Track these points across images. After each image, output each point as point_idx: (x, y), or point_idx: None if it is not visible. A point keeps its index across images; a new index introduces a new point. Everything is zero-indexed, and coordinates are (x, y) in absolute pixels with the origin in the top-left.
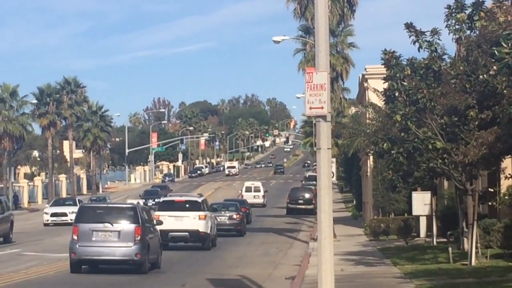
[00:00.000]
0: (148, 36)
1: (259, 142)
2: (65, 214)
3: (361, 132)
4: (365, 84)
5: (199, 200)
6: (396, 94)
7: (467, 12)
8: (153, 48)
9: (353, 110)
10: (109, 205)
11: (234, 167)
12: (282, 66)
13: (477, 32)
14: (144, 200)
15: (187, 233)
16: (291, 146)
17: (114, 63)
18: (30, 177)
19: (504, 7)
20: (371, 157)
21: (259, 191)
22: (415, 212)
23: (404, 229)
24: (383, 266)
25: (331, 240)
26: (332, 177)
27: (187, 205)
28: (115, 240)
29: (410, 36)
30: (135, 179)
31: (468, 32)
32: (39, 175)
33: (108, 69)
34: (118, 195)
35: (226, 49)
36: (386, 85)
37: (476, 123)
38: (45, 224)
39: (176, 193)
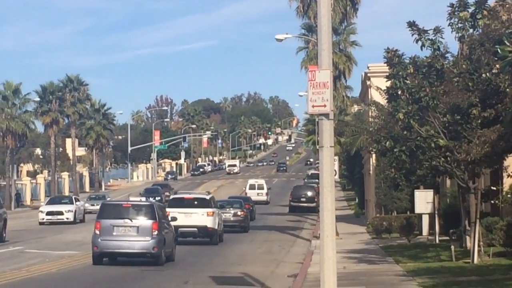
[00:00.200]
0: (150, 34)
1: (261, 140)
2: (61, 213)
3: (363, 130)
4: (368, 82)
5: (207, 197)
6: (399, 92)
7: (470, 10)
8: (156, 46)
9: (355, 108)
10: (128, 203)
11: (235, 165)
12: (285, 64)
13: (480, 31)
14: (144, 198)
15: (195, 229)
16: (293, 145)
17: (116, 61)
18: (32, 175)
19: (507, 5)
20: (373, 155)
21: (262, 188)
22: (417, 210)
23: (406, 227)
24: (385, 264)
25: (333, 238)
26: (335, 175)
27: (196, 202)
28: (134, 235)
29: (412, 35)
30: (137, 177)
31: (471, 30)
32: (41, 173)
33: (110, 67)
34: (120, 193)
35: (229, 47)
36: (388, 83)
37: (479, 121)
38: (41, 223)
39: (185, 191)
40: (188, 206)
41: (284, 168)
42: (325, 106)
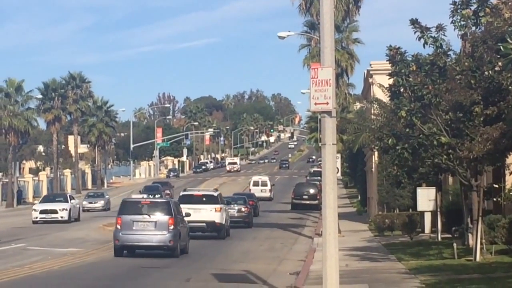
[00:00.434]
0: (153, 31)
1: (263, 138)
2: (55, 211)
3: (366, 128)
4: (370, 80)
5: (215, 194)
6: (401, 90)
7: (472, 8)
8: (158, 43)
9: (358, 105)
10: (147, 200)
11: (235, 163)
12: (287, 62)
13: (483, 28)
14: (146, 195)
15: (204, 224)
16: (295, 143)
17: (119, 58)
18: (35, 172)
19: (510, 3)
20: (376, 153)
21: (266, 185)
22: (420, 207)
23: (408, 224)
24: (387, 261)
25: (336, 235)
26: (337, 172)
27: (204, 199)
28: (152, 229)
29: (415, 32)
30: (140, 174)
31: (474, 28)
32: (44, 170)
33: (113, 64)
34: (122, 190)
35: (231, 45)
36: (391, 81)
37: (481, 119)
38: (34, 222)
39: (194, 188)
40: (197, 203)
41: (287, 165)
42: (327, 103)
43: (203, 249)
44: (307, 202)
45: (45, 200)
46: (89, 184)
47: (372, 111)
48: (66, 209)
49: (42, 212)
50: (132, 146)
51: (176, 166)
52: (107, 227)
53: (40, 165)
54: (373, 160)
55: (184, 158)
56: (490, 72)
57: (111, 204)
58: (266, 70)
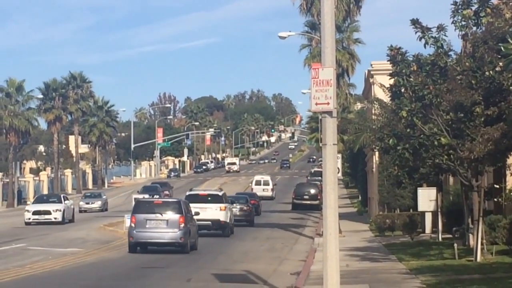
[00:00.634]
0: (154, 31)
1: (264, 138)
2: (48, 212)
3: (367, 128)
4: (371, 80)
5: (220, 194)
6: (402, 90)
7: (473, 8)
8: (159, 43)
9: (359, 105)
10: (159, 200)
11: (234, 163)
12: (288, 62)
13: (483, 29)
14: (148, 195)
15: (209, 222)
16: (295, 144)
17: (120, 58)
18: (36, 172)
19: (511, 3)
20: (376, 153)
21: (268, 184)
22: (420, 208)
23: (409, 225)
24: (388, 262)
25: (336, 235)
26: (338, 172)
27: (209, 198)
28: (164, 227)
29: (416, 32)
30: (140, 174)
31: (474, 28)
32: (44, 169)
33: (114, 64)
34: (123, 190)
35: (232, 45)
36: (392, 81)
37: (482, 119)
38: (27, 223)
39: (200, 188)
40: (203, 202)
41: (288, 165)
42: (328, 103)
43: (204, 249)
44: (308, 202)
45: (38, 200)
46: (90, 184)
47: (373, 111)
48: (60, 210)
49: (35, 213)
50: (133, 146)
51: (177, 166)
52: (108, 227)
53: (40, 165)
54: (374, 160)
55: (185, 158)
56: (491, 72)
57: (108, 205)
58: (267, 70)
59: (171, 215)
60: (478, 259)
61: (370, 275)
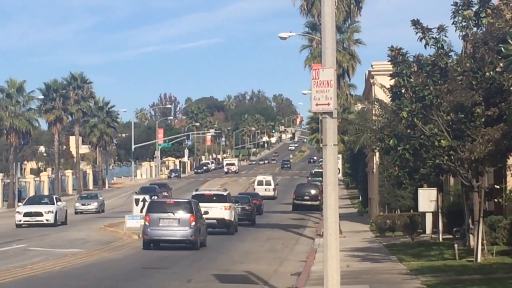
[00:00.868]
0: (155, 32)
1: (265, 138)
2: (40, 214)
3: (367, 129)
4: (372, 81)
5: (225, 193)
6: (403, 90)
7: (474, 9)
8: (160, 44)
9: (359, 106)
10: (171, 200)
11: (233, 164)
12: (289, 63)
13: (484, 29)
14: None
15: (215, 221)
16: (296, 145)
17: (120, 59)
18: (36, 172)
19: (511, 4)
20: (377, 154)
21: (270, 184)
22: (421, 208)
23: (410, 225)
24: (389, 262)
25: (337, 236)
26: (338, 173)
27: (215, 198)
28: (176, 225)
29: (416, 33)
30: (141, 174)
31: (475, 29)
32: (45, 170)
33: (114, 64)
34: (124, 191)
35: (233, 45)
36: (392, 82)
37: (483, 120)
38: (18, 225)
39: (206, 189)
40: (208, 201)
41: (288, 165)
42: (328, 104)
43: (204, 250)
44: (308, 203)
45: (30, 202)
46: (91, 185)
47: (373, 112)
48: (52, 212)
49: (26, 214)
50: (133, 146)
51: (178, 167)
52: (109, 227)
53: (41, 165)
54: (374, 161)
55: (185, 159)
56: (491, 73)
57: (109, 206)
58: (268, 70)
59: (182, 214)
60: (479, 259)
61: (370, 275)
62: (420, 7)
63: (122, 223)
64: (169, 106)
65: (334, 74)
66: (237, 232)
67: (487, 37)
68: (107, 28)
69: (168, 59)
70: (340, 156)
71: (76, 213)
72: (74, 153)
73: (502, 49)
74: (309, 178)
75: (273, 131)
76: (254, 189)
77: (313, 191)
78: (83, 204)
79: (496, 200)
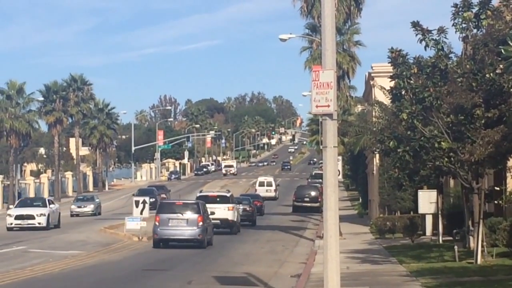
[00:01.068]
0: (155, 34)
1: (265, 140)
2: (32, 217)
3: (367, 130)
4: (372, 82)
5: (228, 195)
6: (403, 92)
7: (474, 10)
8: (160, 45)
9: (359, 108)
10: (180, 201)
11: (231, 166)
12: (289, 64)
13: (484, 31)
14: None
15: (218, 221)
16: (295, 147)
17: (120, 61)
18: (36, 174)
19: (511, 6)
20: (377, 155)
21: (271, 185)
22: (421, 210)
23: (410, 227)
24: (389, 264)
25: (337, 238)
26: (338, 175)
27: (218, 199)
28: (184, 225)
29: (416, 35)
30: (141, 176)
31: (475, 30)
32: (45, 172)
33: (114, 66)
34: (124, 193)
35: (233, 47)
36: (392, 83)
37: (483, 121)
38: (8, 229)
39: (209, 190)
40: (212, 202)
41: (288, 167)
42: (328, 106)
43: (205, 251)
44: (309, 204)
45: (22, 204)
46: (91, 187)
47: (373, 114)
48: (44, 215)
49: (17, 217)
50: (133, 148)
51: (178, 169)
52: (108, 229)
53: (41, 167)
54: (374, 163)
55: (185, 161)
56: (491, 74)
57: (108, 208)
58: (268, 72)
59: (190, 215)
60: (479, 261)
61: (370, 277)
62: (420, 8)
63: (122, 225)
64: (169, 107)
65: (334, 75)
66: (239, 232)
67: (487, 38)
68: (107, 29)
69: (168, 61)
70: (340, 158)
71: (72, 215)
72: (74, 155)
73: (502, 50)
74: (309, 180)
75: (273, 133)
76: (256, 190)
77: (313, 193)
78: (78, 207)
79: (496, 202)
